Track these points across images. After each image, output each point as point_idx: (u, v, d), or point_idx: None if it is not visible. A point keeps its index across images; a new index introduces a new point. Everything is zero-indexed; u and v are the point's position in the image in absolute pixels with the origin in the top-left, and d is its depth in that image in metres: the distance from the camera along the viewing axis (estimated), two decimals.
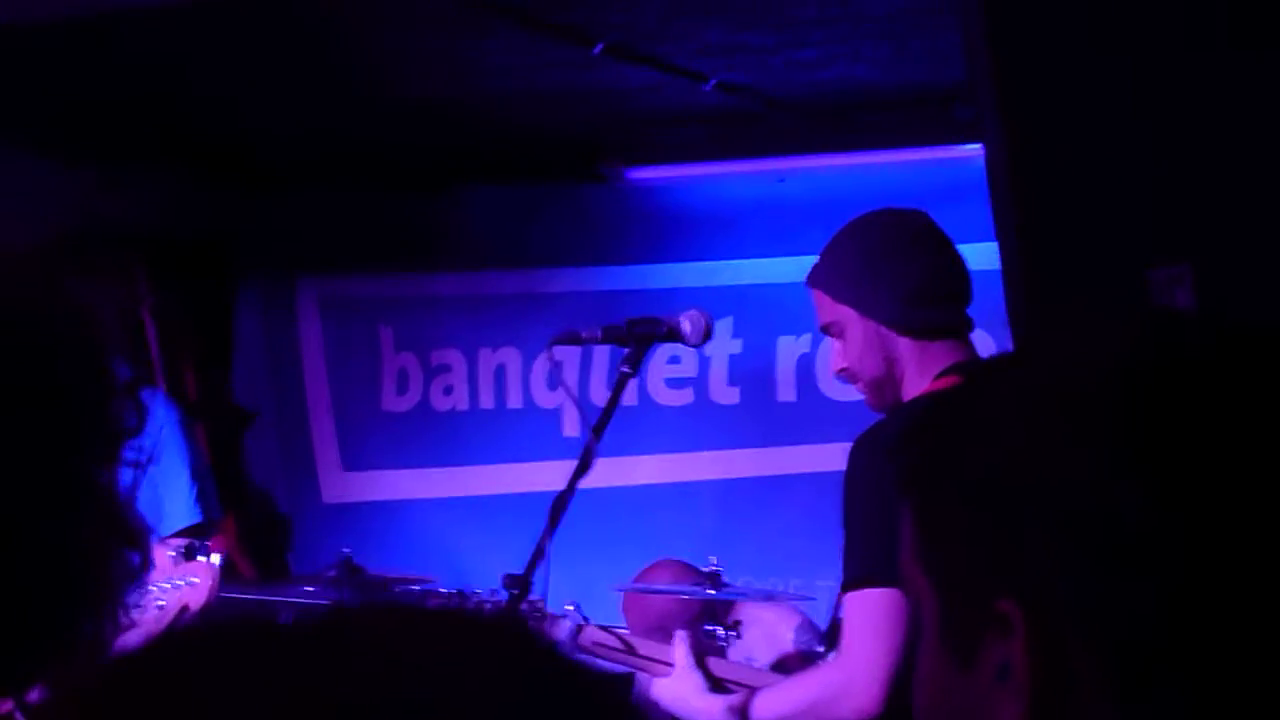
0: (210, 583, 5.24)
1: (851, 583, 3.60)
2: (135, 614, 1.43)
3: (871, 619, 3.54)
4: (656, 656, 4.28)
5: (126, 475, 1.41)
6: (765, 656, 5.71)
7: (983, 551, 1.31)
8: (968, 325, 3.84)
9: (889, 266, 3.78)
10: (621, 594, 5.86)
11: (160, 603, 4.60)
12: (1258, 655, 1.23)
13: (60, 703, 0.85)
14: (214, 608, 5.34)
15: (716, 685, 4.10)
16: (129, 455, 1.40)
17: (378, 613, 0.90)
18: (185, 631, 0.90)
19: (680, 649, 4.12)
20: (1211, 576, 1.23)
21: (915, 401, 3.72)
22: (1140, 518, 1.23)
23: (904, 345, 3.77)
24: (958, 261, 3.85)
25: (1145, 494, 1.24)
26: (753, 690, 3.91)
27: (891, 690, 3.52)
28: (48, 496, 1.33)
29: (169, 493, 5.53)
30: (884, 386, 3.80)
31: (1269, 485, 1.24)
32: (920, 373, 3.75)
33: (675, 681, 4.07)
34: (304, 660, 0.84)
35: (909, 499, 1.39)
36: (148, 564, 1.39)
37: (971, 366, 3.70)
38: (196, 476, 5.70)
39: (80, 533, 1.35)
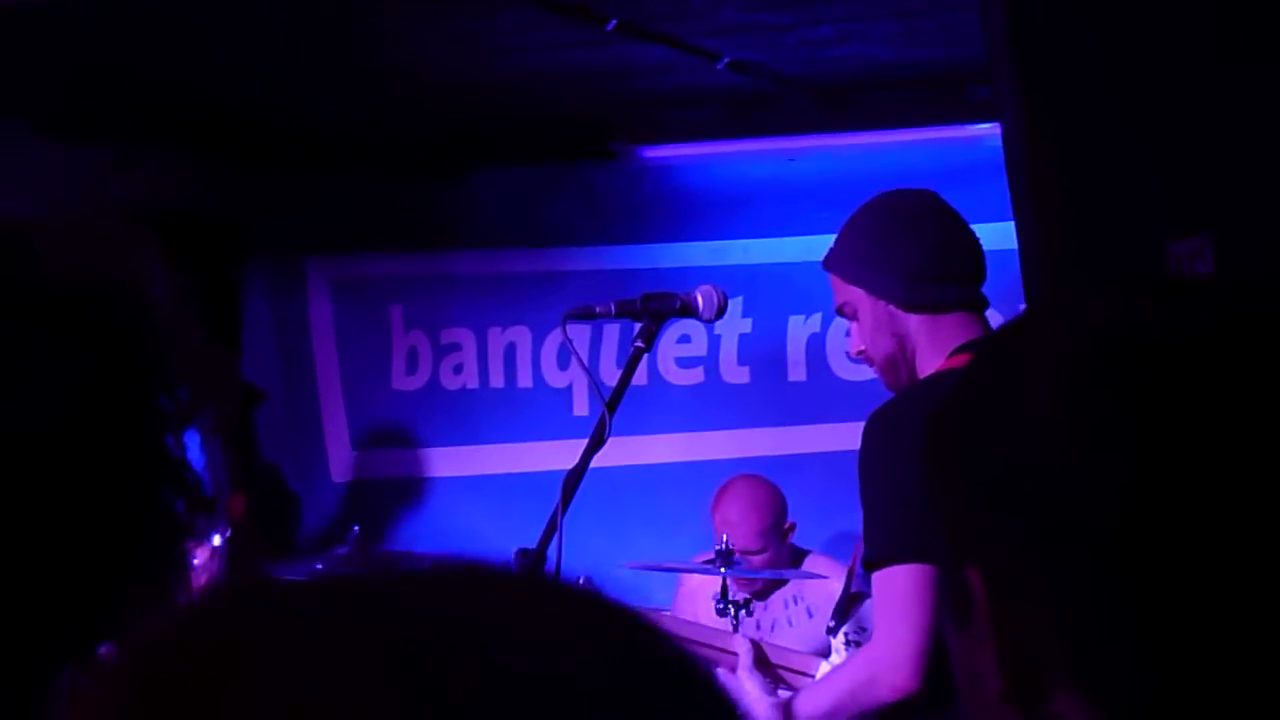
0: (214, 565, 5.25)
1: (874, 562, 3.59)
2: None
3: (898, 596, 3.54)
4: (721, 645, 4.28)
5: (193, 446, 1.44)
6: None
7: (959, 521, 1.32)
8: (980, 301, 3.84)
9: (894, 245, 3.79)
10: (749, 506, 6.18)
11: None
12: (1217, 642, 1.21)
13: (131, 660, 0.83)
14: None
15: (774, 679, 4.16)
16: (203, 423, 1.43)
17: (455, 572, 0.87)
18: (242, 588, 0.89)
19: (744, 654, 4.14)
20: (1170, 563, 1.21)
21: (929, 379, 3.72)
22: (1095, 501, 1.22)
23: (914, 323, 3.77)
24: (966, 238, 3.86)
25: (1106, 478, 1.22)
26: (799, 690, 3.94)
27: (928, 664, 3.51)
28: (144, 467, 1.35)
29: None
30: (898, 365, 3.80)
31: (1250, 477, 1.22)
32: (933, 350, 3.75)
33: (738, 681, 4.09)
34: (379, 617, 0.81)
35: (929, 477, 1.39)
36: (217, 526, 1.44)
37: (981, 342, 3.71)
38: (205, 449, 5.70)
39: (166, 499, 1.37)
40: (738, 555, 5.86)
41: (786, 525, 6.32)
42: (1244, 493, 1.21)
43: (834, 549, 6.61)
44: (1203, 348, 1.24)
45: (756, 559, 6.11)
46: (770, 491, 6.32)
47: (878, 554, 3.58)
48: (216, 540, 5.17)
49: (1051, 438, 1.25)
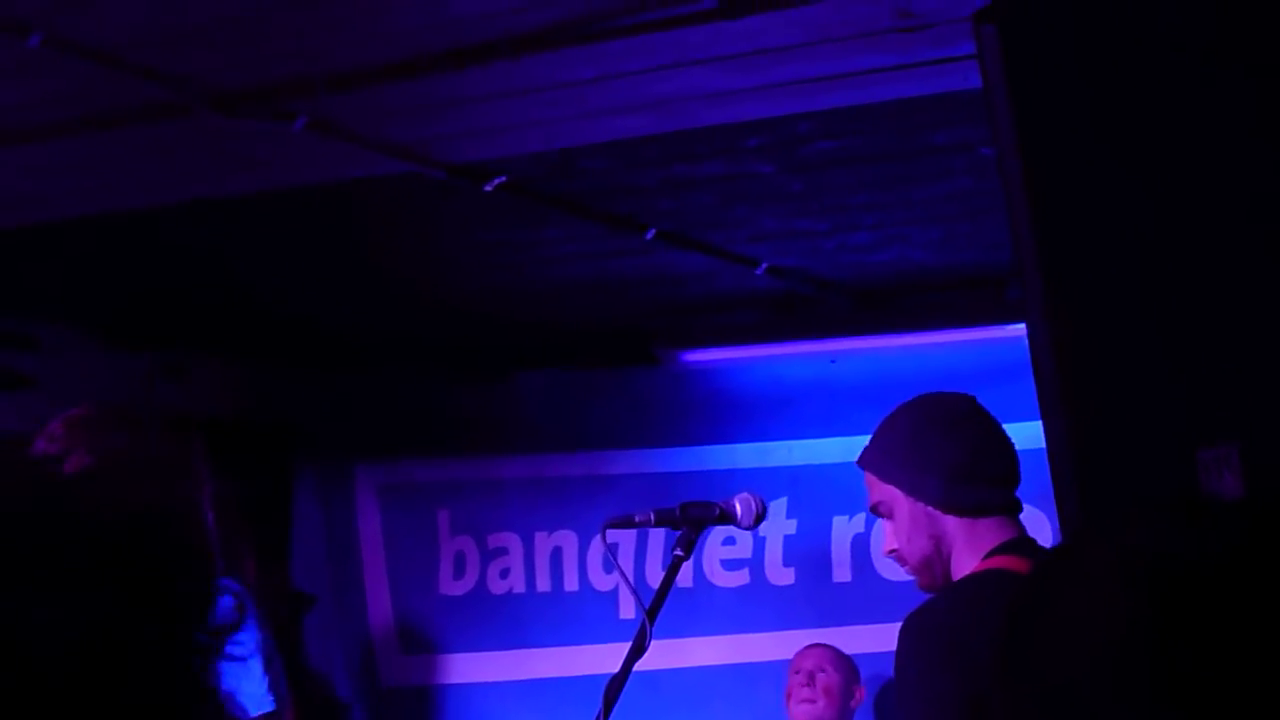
0: None
1: None
2: None
3: None
4: None
5: (223, 668, 1.45)
6: None
7: None
8: (1014, 505, 3.87)
9: (934, 447, 3.83)
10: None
11: None
12: None
13: None
14: None
15: None
16: (229, 649, 1.44)
17: None
18: None
19: None
20: None
21: (965, 581, 3.74)
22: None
23: (951, 524, 3.80)
24: (1003, 442, 3.90)
25: (1144, 709, 1.27)
26: None
27: None
28: (168, 696, 1.37)
29: (243, 680, 5.47)
30: (933, 565, 3.82)
31: None
32: (969, 552, 3.77)
33: None
34: None
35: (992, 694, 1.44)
36: None
37: (1022, 549, 3.73)
38: (268, 664, 5.65)
39: None
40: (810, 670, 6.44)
41: (858, 692, 6.67)
42: None
43: None
44: (1239, 578, 1.31)
45: (826, 678, 6.57)
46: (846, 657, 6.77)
47: None
48: None
49: (1090, 669, 1.30)
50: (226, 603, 1.44)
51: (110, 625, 1.34)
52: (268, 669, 5.65)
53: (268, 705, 5.64)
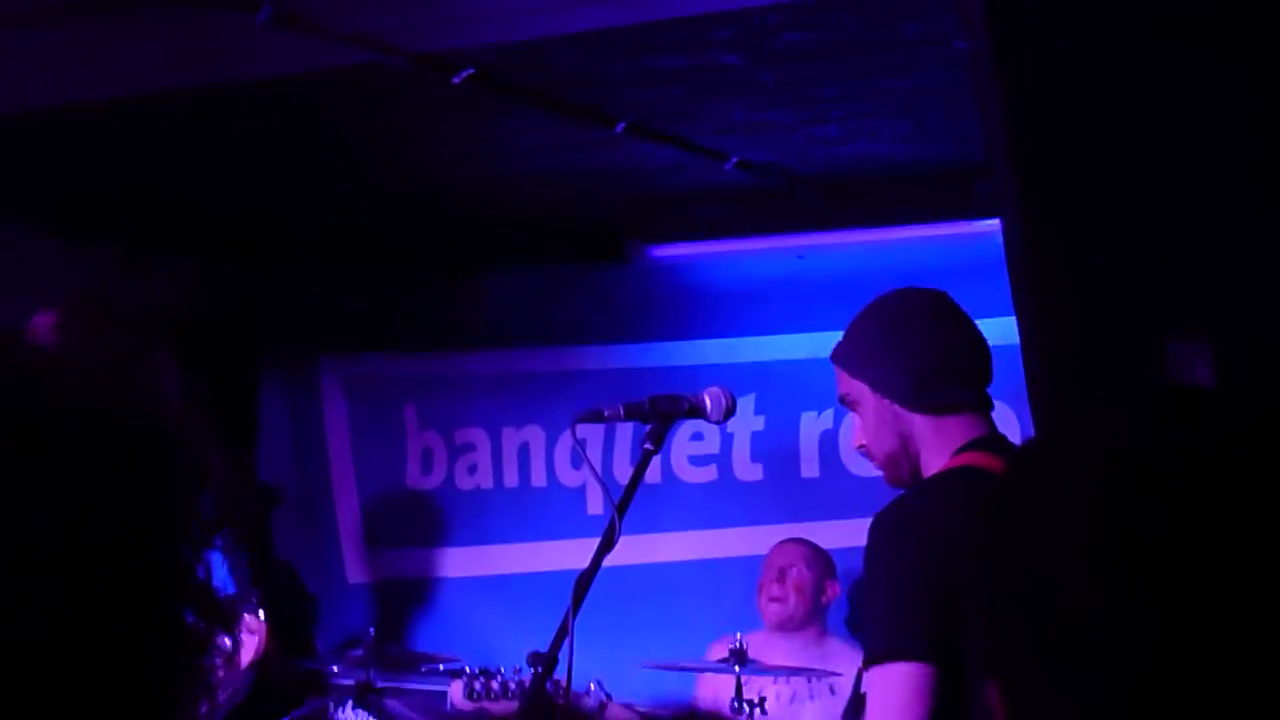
0: (260, 637, 5.27)
1: (874, 657, 3.58)
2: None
3: (894, 694, 3.53)
4: None
5: (214, 559, 1.45)
6: None
7: (985, 635, 1.36)
8: (985, 401, 3.84)
9: (902, 345, 3.80)
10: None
11: None
12: None
13: None
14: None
15: None
16: (218, 541, 1.44)
17: None
18: None
19: None
20: (1179, 684, 1.25)
21: (934, 479, 3.72)
22: (1106, 620, 1.26)
23: (918, 422, 3.77)
24: (975, 339, 3.86)
25: (1116, 599, 1.27)
26: None
27: None
28: (156, 588, 1.36)
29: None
30: (899, 462, 3.80)
31: (1254, 597, 1.26)
32: (938, 449, 3.75)
33: None
34: None
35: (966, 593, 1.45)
36: (238, 645, 1.44)
37: (992, 446, 3.72)
38: (228, 551, 5.67)
39: (184, 620, 1.38)
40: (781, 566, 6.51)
41: (831, 587, 6.71)
42: (1250, 612, 1.25)
43: (847, 641, 6.65)
44: (1205, 471, 1.30)
45: (797, 574, 6.66)
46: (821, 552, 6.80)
47: (878, 650, 3.57)
48: (262, 616, 5.20)
49: (1065, 561, 1.30)
50: (216, 493, 1.43)
51: (89, 516, 1.32)
52: (227, 555, 5.67)
53: (228, 589, 5.66)
